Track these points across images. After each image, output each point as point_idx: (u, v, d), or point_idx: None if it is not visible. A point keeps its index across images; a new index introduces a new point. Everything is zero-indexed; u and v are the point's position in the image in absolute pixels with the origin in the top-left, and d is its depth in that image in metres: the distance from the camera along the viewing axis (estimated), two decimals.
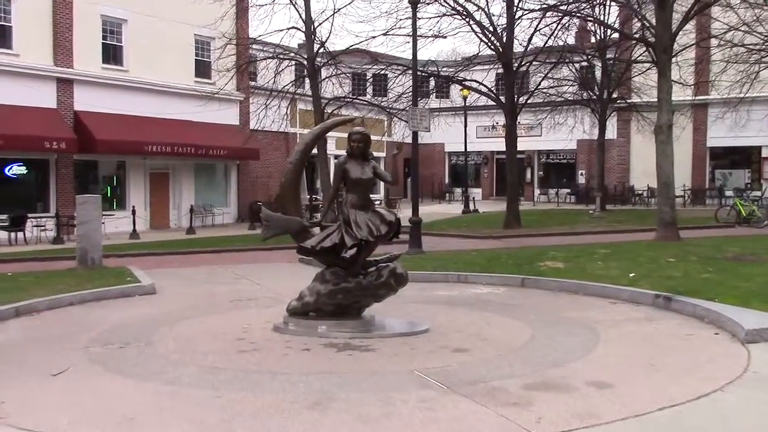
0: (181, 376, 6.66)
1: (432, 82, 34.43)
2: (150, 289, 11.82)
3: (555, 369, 6.72)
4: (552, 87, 30.81)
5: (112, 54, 28.28)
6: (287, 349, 7.67)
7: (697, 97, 38.99)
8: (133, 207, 26.77)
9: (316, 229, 8.67)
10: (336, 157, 40.06)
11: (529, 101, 28.47)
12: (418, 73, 19.48)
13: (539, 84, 28.12)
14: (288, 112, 26.81)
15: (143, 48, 28.52)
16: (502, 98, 26.21)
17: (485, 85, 26.27)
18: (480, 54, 27.28)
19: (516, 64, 25.68)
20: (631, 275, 11.74)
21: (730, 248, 15.57)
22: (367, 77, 32.99)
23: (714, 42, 28.68)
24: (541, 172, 46.16)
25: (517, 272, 12.65)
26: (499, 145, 44.84)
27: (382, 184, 26.28)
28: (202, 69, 31.40)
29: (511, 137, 25.76)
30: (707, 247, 15.88)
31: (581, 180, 43.18)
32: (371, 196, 8.70)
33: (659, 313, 9.44)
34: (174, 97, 29.62)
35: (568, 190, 43.28)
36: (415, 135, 18.01)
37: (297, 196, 8.66)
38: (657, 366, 6.77)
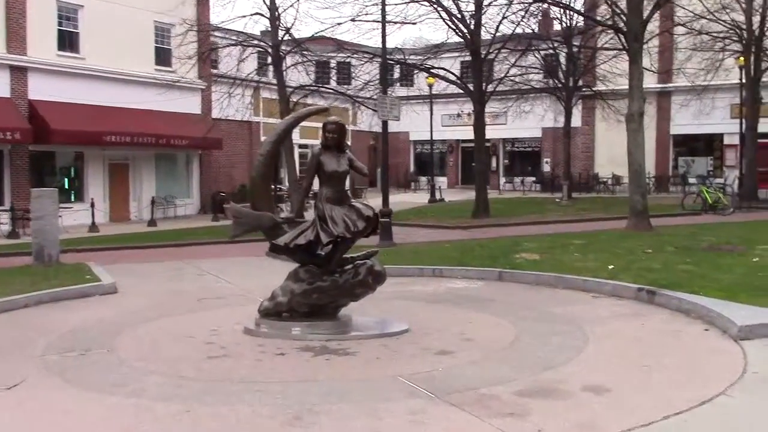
0: (147, 388, 6.16)
1: (397, 71, 33.98)
2: (111, 288, 11.22)
3: (547, 372, 6.36)
4: (519, 75, 30.54)
5: (68, 41, 27.26)
6: (261, 354, 7.21)
7: (661, 85, 39.32)
8: (92, 199, 25.91)
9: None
10: (302, 146, 39.68)
11: (496, 89, 28.12)
12: (381, 62, 18.99)
13: (508, 71, 27.83)
14: (252, 100, 26.15)
15: (101, 35, 27.54)
16: (471, 86, 25.84)
17: (453, 73, 25.89)
18: (447, 41, 26.89)
19: (484, 52, 25.33)
20: (610, 267, 11.47)
21: (703, 237, 15.47)
22: (332, 65, 32.45)
23: (681, 30, 28.71)
24: (507, 161, 46.04)
25: (493, 265, 12.31)
26: (465, 133, 44.75)
27: None
28: (163, 56, 30.51)
29: (479, 125, 25.42)
30: (681, 237, 15.75)
31: (546, 168, 43.15)
32: None
33: (644, 308, 9.16)
34: (133, 86, 28.71)
35: (534, 179, 43.23)
36: (384, 124, 17.56)
37: (268, 191, 8.18)
38: (652, 367, 6.45)
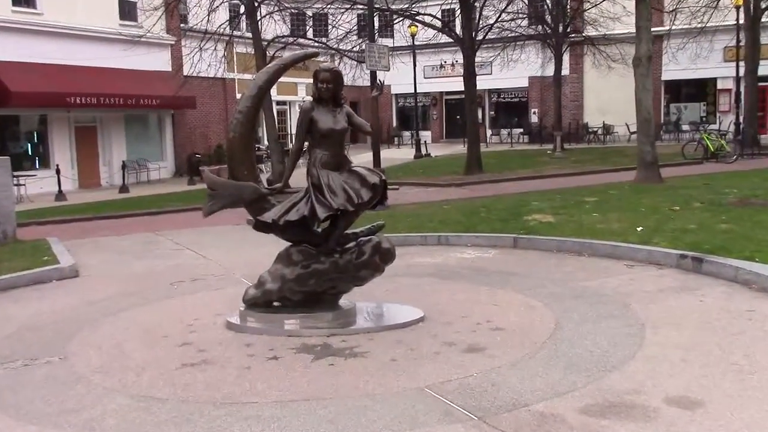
0: (106, 415, 4.78)
1: (377, 21, 32.16)
2: (71, 271, 9.72)
3: (612, 375, 5.05)
4: (507, 21, 28.87)
5: None
6: (249, 359, 5.83)
7: (652, 29, 37.77)
8: (57, 166, 24.17)
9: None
10: (279, 103, 37.79)
11: (486, 36, 26.49)
12: (367, 7, 17.34)
13: (499, 16, 26.19)
14: (225, 55, 24.36)
15: None
16: (459, 34, 24.23)
17: (440, 19, 24.23)
18: None
19: None
20: (639, 229, 10.18)
21: (723, 190, 14.24)
22: (307, 16, 30.55)
23: None
24: (492, 112, 44.55)
25: (505, 229, 10.97)
26: (448, 85, 43.23)
27: None
28: (128, 10, 28.57)
29: (469, 75, 23.87)
30: (698, 190, 14.51)
31: (534, 119, 41.72)
32: None
33: (692, 279, 7.87)
34: (97, 43, 26.81)
35: (521, 130, 41.82)
36: (373, 75, 16.02)
37: (250, 155, 6.71)
38: (742, 366, 5.15)
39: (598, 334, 6.05)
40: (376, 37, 32.44)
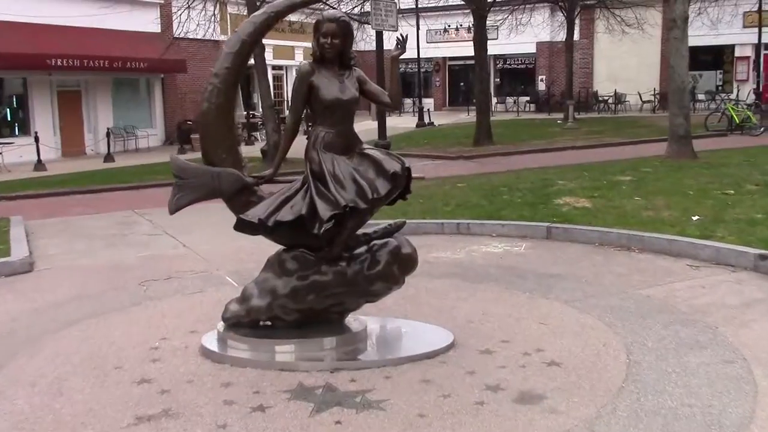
0: None
1: None
2: (22, 265, 8.14)
3: None
4: None
5: None
6: (226, 408, 4.33)
7: None
8: (36, 133, 22.44)
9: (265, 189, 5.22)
10: (276, 68, 35.84)
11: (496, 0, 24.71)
12: None
13: None
14: (216, 14, 22.58)
15: None
16: None
17: None
18: None
19: None
20: (695, 218, 8.67)
21: None
22: None
23: None
24: (497, 79, 42.70)
25: (534, 216, 9.44)
26: (452, 50, 41.40)
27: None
28: None
29: (480, 40, 22.15)
30: (744, 168, 13.01)
31: (542, 87, 39.93)
32: None
33: None
34: (80, 1, 24.91)
35: (527, 98, 40.02)
36: (379, 37, 14.36)
37: (230, 132, 5.13)
38: None
39: (690, 374, 4.57)
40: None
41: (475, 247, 8.47)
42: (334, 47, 4.81)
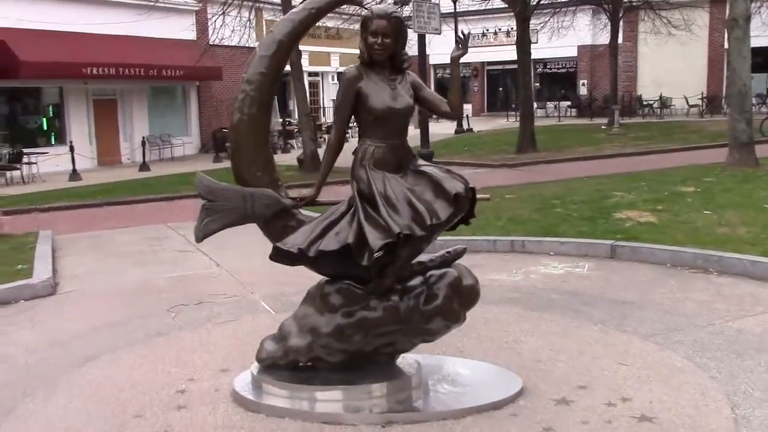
0: None
1: None
2: (45, 288, 7.58)
3: None
4: None
5: None
6: None
7: None
8: (71, 142, 22.15)
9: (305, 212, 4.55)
10: (312, 75, 35.38)
11: (540, 2, 23.90)
12: None
13: None
14: (251, 19, 22.10)
15: None
16: None
17: None
18: None
19: None
20: None
21: None
22: None
23: None
24: (537, 84, 41.73)
25: (595, 233, 8.67)
26: (490, 55, 40.54)
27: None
28: None
29: (523, 44, 21.37)
30: None
31: (583, 91, 38.90)
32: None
33: None
34: (116, 8, 24.60)
35: (569, 103, 39.02)
36: (421, 40, 13.69)
37: (264, 148, 4.47)
38: None
39: None
40: (410, 4, 30.17)
41: (533, 267, 7.73)
42: (385, 48, 4.13)
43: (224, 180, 4.56)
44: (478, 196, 4.31)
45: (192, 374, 5.07)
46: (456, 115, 4.43)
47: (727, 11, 14.87)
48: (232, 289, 7.51)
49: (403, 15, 4.37)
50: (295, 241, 4.16)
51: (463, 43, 4.34)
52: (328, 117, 35.94)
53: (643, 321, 5.80)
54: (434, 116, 4.48)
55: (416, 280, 4.42)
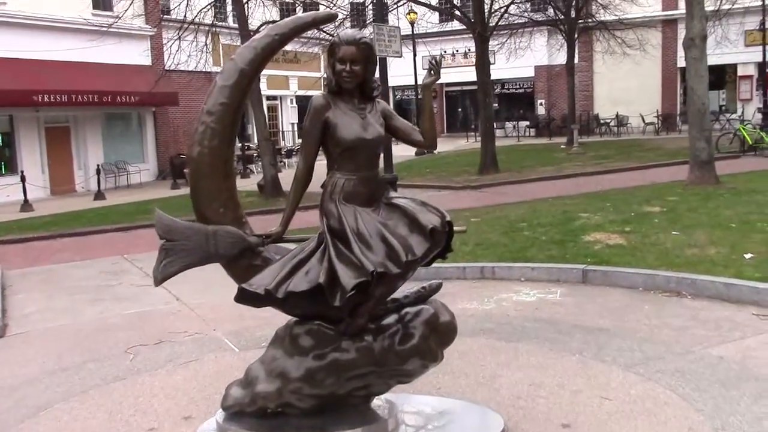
0: None
1: (370, 9, 29.60)
2: None
3: None
4: (519, 3, 26.37)
5: None
6: None
7: (666, 13, 35.46)
8: (22, 172, 21.52)
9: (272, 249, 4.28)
10: (270, 98, 35.05)
11: (498, 22, 24.00)
12: None
13: (512, 1, 23.68)
14: (208, 44, 21.79)
15: None
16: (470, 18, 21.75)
17: (453, 3, 21.78)
18: None
19: None
20: (747, 256, 7.77)
21: None
22: (298, 2, 28.00)
23: None
24: (496, 104, 41.99)
25: (565, 257, 8.52)
26: (448, 76, 40.56)
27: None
28: None
29: (482, 65, 21.42)
30: None
31: (541, 111, 39.27)
32: None
33: None
34: (68, 35, 24.10)
35: (527, 123, 39.31)
36: (382, 63, 13.53)
37: (227, 181, 4.20)
38: None
39: None
40: (366, 27, 30.07)
41: (504, 295, 7.55)
42: (354, 75, 3.91)
43: (184, 207, 4.29)
44: (455, 229, 4.09)
45: (152, 423, 4.75)
46: (430, 144, 4.21)
47: (684, 31, 15.02)
48: (193, 325, 7.19)
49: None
50: (261, 281, 3.89)
51: (435, 69, 4.13)
52: (287, 141, 35.70)
53: (622, 350, 5.64)
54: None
55: (391, 319, 4.19)
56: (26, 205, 20.45)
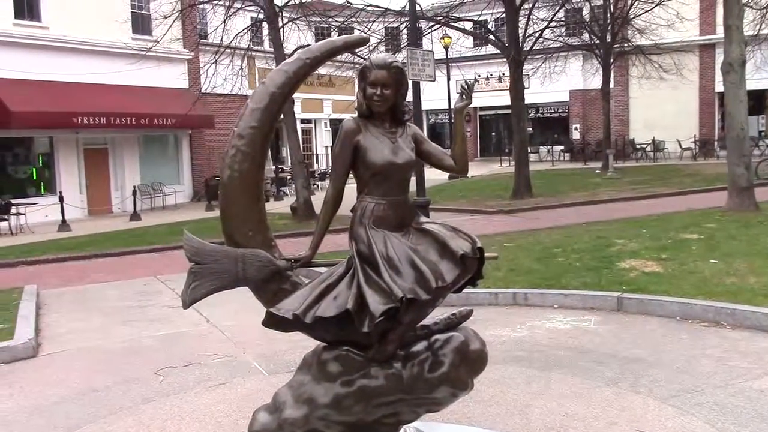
0: None
1: (405, 33, 29.73)
2: (26, 349, 7.23)
3: None
4: (554, 27, 26.24)
5: (26, 6, 23.19)
6: None
7: (704, 37, 35.10)
8: (60, 192, 21.89)
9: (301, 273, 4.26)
10: (304, 121, 35.34)
11: (533, 47, 23.91)
12: (409, 6, 14.77)
13: (548, 24, 23.59)
14: (243, 67, 22.03)
15: None
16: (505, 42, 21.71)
17: (488, 29, 21.77)
18: None
19: (519, 1, 21.13)
20: None
21: None
22: (332, 27, 28.29)
23: None
24: (530, 128, 41.83)
25: (599, 284, 8.37)
26: (482, 100, 40.63)
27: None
28: (141, 23, 26.41)
29: (516, 89, 21.35)
30: None
31: (576, 135, 38.99)
32: None
33: None
34: (107, 58, 24.56)
35: (561, 147, 39.05)
36: (416, 87, 13.55)
37: (258, 203, 4.19)
38: None
39: None
40: (401, 51, 30.17)
41: (537, 322, 7.42)
42: (385, 99, 3.88)
43: (217, 229, 4.28)
44: (486, 255, 4.02)
45: None
46: (461, 170, 4.16)
47: (723, 56, 14.82)
48: (222, 348, 7.17)
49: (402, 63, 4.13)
50: (290, 306, 3.86)
51: (467, 93, 4.09)
52: (321, 164, 35.89)
53: (658, 381, 5.49)
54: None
55: (420, 346, 4.11)
56: (64, 225, 20.75)
